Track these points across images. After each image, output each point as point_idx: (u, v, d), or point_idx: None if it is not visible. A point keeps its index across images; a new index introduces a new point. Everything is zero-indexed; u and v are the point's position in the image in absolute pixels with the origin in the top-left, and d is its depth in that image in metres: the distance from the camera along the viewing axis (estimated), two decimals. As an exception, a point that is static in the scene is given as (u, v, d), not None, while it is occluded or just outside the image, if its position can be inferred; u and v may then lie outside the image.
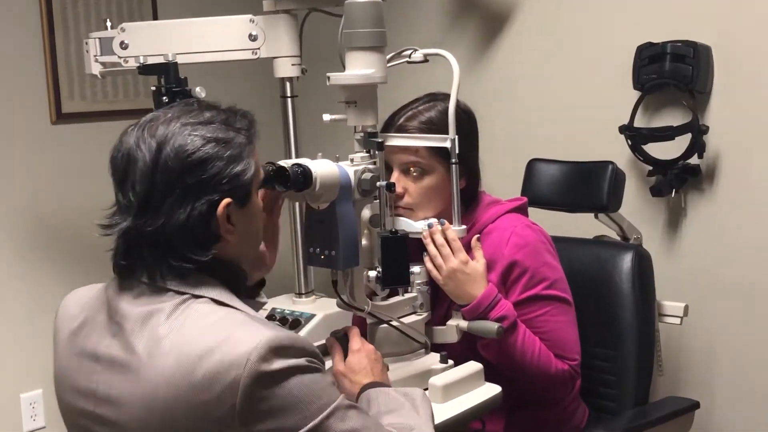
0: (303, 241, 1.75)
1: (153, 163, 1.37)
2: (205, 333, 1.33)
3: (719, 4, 2.57)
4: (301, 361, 1.34)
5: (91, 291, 1.53)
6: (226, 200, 1.40)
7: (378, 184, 1.76)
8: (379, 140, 1.79)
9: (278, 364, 1.31)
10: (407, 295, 1.90)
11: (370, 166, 1.76)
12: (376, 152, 1.80)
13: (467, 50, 3.17)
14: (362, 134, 1.82)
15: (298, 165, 1.66)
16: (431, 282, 1.96)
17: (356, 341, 1.72)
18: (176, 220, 1.37)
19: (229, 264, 1.44)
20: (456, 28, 3.22)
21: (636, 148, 2.65)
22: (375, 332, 1.88)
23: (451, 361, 1.87)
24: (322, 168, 1.68)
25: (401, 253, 1.76)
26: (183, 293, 1.39)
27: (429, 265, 1.94)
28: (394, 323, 1.87)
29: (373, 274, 1.84)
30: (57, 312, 1.54)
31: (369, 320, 1.89)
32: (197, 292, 1.39)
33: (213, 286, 1.41)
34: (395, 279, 1.78)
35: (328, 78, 1.82)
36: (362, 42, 1.80)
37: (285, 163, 1.67)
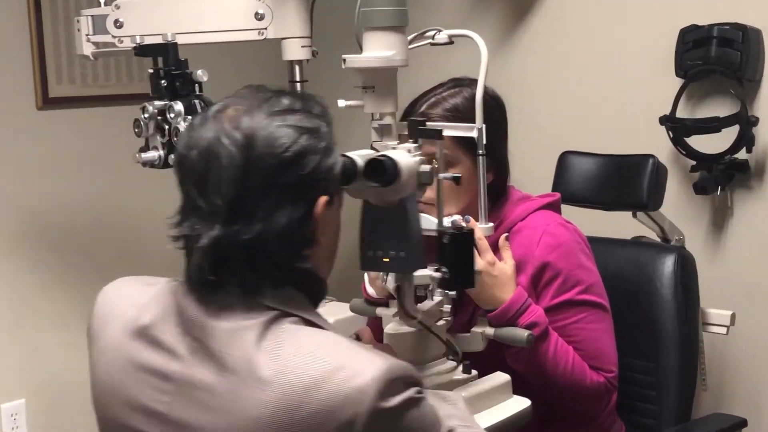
0: (361, 245, 1.71)
1: (244, 161, 1.31)
2: (309, 361, 1.26)
3: (772, -17, 2.57)
4: (413, 392, 1.31)
5: (143, 289, 1.46)
6: (324, 198, 1.36)
7: (441, 176, 1.75)
8: (438, 128, 1.77)
9: (396, 399, 1.27)
10: (436, 299, 1.90)
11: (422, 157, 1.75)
12: (434, 142, 1.77)
13: (493, 32, 3.16)
14: (408, 121, 1.79)
15: (385, 156, 1.64)
16: (440, 285, 1.94)
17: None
18: (275, 226, 1.31)
19: (312, 273, 1.40)
20: (480, 9, 3.21)
21: (678, 141, 2.65)
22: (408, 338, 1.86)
23: (474, 372, 1.87)
24: (403, 159, 1.66)
25: (469, 251, 1.74)
26: (273, 309, 1.33)
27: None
28: (439, 333, 1.85)
29: (423, 274, 1.80)
30: (97, 310, 1.48)
31: (389, 325, 1.88)
32: (288, 308, 1.34)
33: (299, 300, 1.37)
34: (463, 280, 1.75)
35: (344, 60, 1.82)
36: (382, 21, 1.79)
37: (359, 154, 1.64)
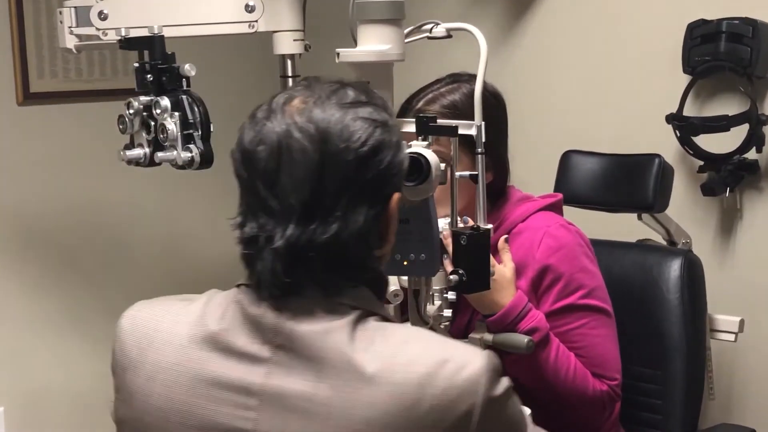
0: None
1: (319, 156, 1.28)
2: (412, 357, 1.26)
3: (783, -24, 2.58)
4: (508, 381, 1.32)
5: (181, 305, 1.41)
6: (397, 195, 1.35)
7: (458, 174, 1.74)
8: (453, 125, 1.76)
9: (501, 387, 1.29)
10: (437, 303, 1.90)
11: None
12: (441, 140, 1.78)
13: (493, 27, 3.17)
14: (417, 118, 1.80)
15: (418, 153, 1.64)
16: (452, 289, 1.95)
17: None
18: (352, 225, 1.30)
19: (381, 272, 1.39)
20: (481, 2, 3.22)
21: (685, 140, 2.66)
22: None
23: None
24: (431, 156, 1.67)
25: (487, 251, 1.74)
26: (355, 308, 1.32)
27: (450, 269, 1.94)
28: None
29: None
30: (126, 337, 1.42)
31: None
32: (368, 307, 1.33)
33: (373, 299, 1.36)
34: (480, 283, 1.75)
35: (338, 54, 1.83)
36: (377, 14, 1.80)
37: None
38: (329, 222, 1.29)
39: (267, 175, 1.31)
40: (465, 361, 1.27)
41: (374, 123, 1.33)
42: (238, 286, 1.39)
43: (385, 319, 1.35)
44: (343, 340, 1.27)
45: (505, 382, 1.31)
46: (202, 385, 1.32)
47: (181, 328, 1.36)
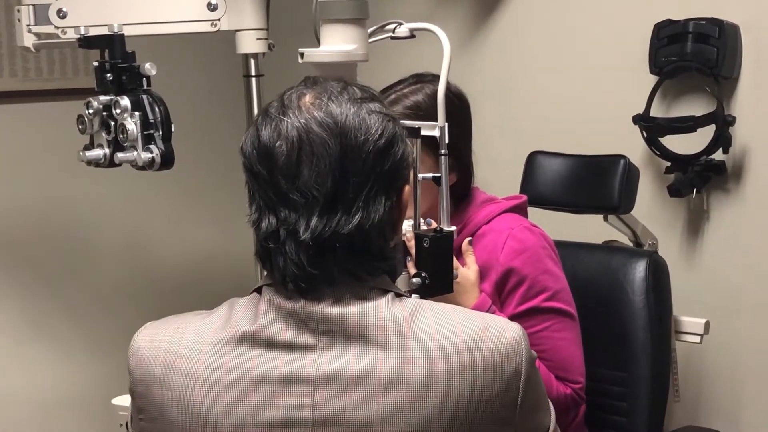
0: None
1: (341, 148, 1.34)
2: (456, 326, 1.34)
3: (749, -23, 2.60)
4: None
5: (198, 318, 1.42)
6: (408, 186, 1.42)
7: (420, 176, 1.76)
8: (416, 126, 1.77)
9: (532, 351, 1.39)
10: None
11: None
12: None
13: (460, 26, 3.18)
14: None
15: None
16: (414, 292, 1.96)
17: None
18: (373, 215, 1.36)
19: (395, 259, 1.45)
20: (448, 2, 3.23)
21: (652, 141, 2.67)
22: None
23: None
24: None
25: (450, 254, 1.76)
26: (387, 291, 1.38)
27: (413, 271, 1.94)
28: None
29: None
30: (146, 355, 1.41)
31: None
32: (394, 289, 1.40)
33: (392, 285, 1.42)
34: (443, 286, 1.75)
35: (301, 54, 1.83)
36: (341, 13, 1.80)
37: None
38: (352, 213, 1.34)
39: (288, 169, 1.34)
40: (503, 327, 1.37)
41: (386, 117, 1.40)
42: (258, 289, 1.41)
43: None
44: (388, 317, 1.34)
45: (533, 350, 1.41)
46: (248, 383, 1.34)
47: (209, 335, 1.38)
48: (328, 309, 1.35)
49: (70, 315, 3.40)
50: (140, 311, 3.19)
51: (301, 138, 1.34)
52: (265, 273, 1.42)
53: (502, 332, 1.36)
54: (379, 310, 1.35)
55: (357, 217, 1.34)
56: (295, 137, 1.34)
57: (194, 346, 1.38)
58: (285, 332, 1.35)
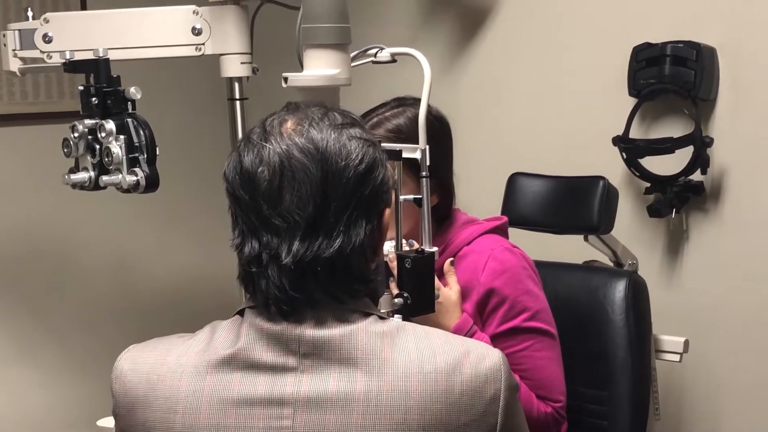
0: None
1: (322, 174, 1.36)
2: (436, 349, 1.36)
3: (725, 0, 2.62)
4: None
5: (180, 341, 1.43)
6: (388, 210, 1.44)
7: (402, 198, 1.78)
8: (397, 149, 1.80)
9: (514, 378, 1.40)
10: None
11: None
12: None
13: (442, 50, 3.21)
14: None
15: None
16: (397, 312, 1.98)
17: None
18: (354, 239, 1.37)
19: (376, 281, 1.47)
20: (430, 25, 3.26)
21: (631, 162, 2.69)
22: None
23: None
24: None
25: (432, 274, 1.77)
26: (369, 313, 1.40)
27: (396, 291, 1.96)
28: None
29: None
30: (129, 377, 1.42)
31: None
32: (374, 311, 1.41)
33: (373, 307, 1.43)
34: (425, 306, 1.77)
35: (285, 79, 1.85)
36: (324, 39, 1.82)
37: None
38: (333, 237, 1.36)
39: (270, 194, 1.36)
40: (483, 353, 1.38)
41: (366, 142, 1.41)
42: (240, 312, 1.43)
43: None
44: (368, 340, 1.36)
45: (515, 376, 1.42)
46: (230, 406, 1.35)
47: (191, 358, 1.39)
48: (309, 331, 1.36)
49: (54, 337, 3.40)
50: (125, 333, 3.21)
51: (282, 164, 1.36)
52: (248, 296, 1.43)
53: (482, 358, 1.37)
54: (361, 333, 1.36)
55: (338, 241, 1.36)
56: (277, 163, 1.36)
57: (176, 368, 1.39)
58: (266, 354, 1.36)
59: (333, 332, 1.36)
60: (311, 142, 1.37)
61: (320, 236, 1.36)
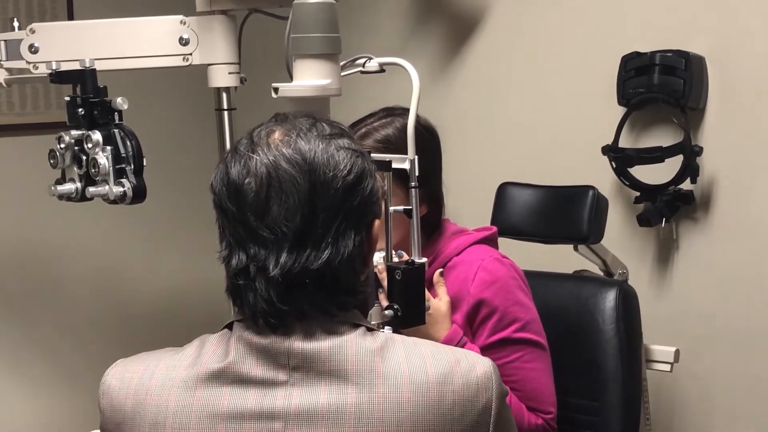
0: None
1: (310, 185, 1.35)
2: (426, 359, 1.35)
3: (714, 9, 2.63)
4: None
5: (168, 355, 1.42)
6: (378, 221, 1.43)
7: (392, 209, 1.77)
8: (386, 160, 1.80)
9: (504, 386, 1.40)
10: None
11: None
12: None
13: (432, 59, 3.21)
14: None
15: None
16: (387, 323, 1.97)
17: None
18: (343, 251, 1.36)
19: (366, 293, 1.46)
20: (419, 35, 3.26)
21: (621, 172, 2.70)
22: None
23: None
24: None
25: (422, 285, 1.77)
26: (358, 325, 1.39)
27: (386, 303, 1.95)
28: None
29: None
30: (117, 393, 1.41)
31: None
32: (364, 323, 1.40)
33: (363, 318, 1.42)
34: (415, 318, 1.77)
35: (276, 89, 1.84)
36: (314, 49, 1.82)
37: None
38: (321, 249, 1.35)
39: (257, 206, 1.35)
40: (473, 362, 1.38)
41: (355, 153, 1.40)
42: (229, 325, 1.42)
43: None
44: (358, 352, 1.35)
45: (504, 385, 1.42)
46: (219, 420, 1.34)
47: (179, 373, 1.38)
48: (298, 344, 1.35)
49: (43, 348, 3.39)
50: (113, 345, 3.20)
51: (270, 175, 1.35)
52: (236, 308, 1.42)
53: (473, 367, 1.37)
54: (350, 345, 1.35)
55: (326, 252, 1.35)
56: (264, 174, 1.35)
57: (165, 383, 1.38)
58: (255, 368, 1.35)
59: (322, 345, 1.35)
60: (299, 153, 1.36)
61: (308, 248, 1.35)
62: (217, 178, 1.41)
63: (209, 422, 1.34)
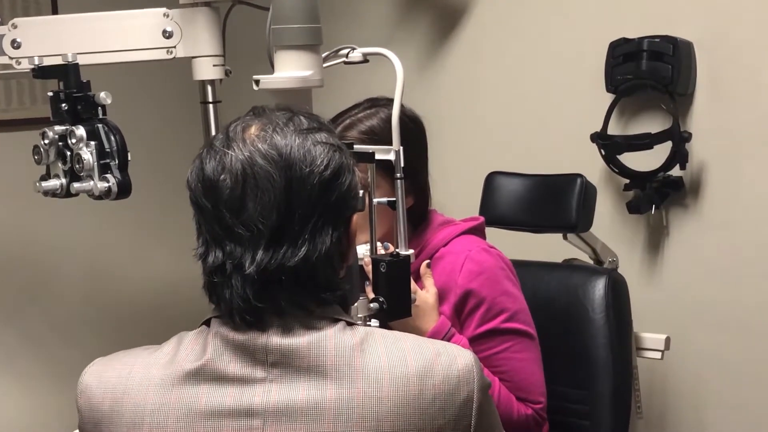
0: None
1: (286, 181, 1.33)
2: (406, 353, 1.35)
3: (702, -6, 2.63)
4: None
5: (145, 353, 1.42)
6: (356, 216, 1.42)
7: (375, 201, 1.77)
8: (370, 151, 1.79)
9: (486, 378, 1.39)
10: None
11: None
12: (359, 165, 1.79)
13: (418, 49, 3.21)
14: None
15: None
16: (373, 317, 1.97)
17: None
18: (320, 247, 1.35)
19: (345, 289, 1.45)
20: (406, 25, 3.26)
21: (610, 159, 2.70)
22: None
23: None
24: None
25: (408, 278, 1.77)
26: (337, 320, 1.38)
27: (372, 296, 1.96)
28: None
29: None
30: (93, 393, 1.41)
31: None
32: (344, 317, 1.39)
33: (343, 314, 1.41)
34: (401, 311, 1.77)
35: (257, 81, 1.84)
36: (293, 40, 1.81)
37: None
38: (298, 245, 1.34)
39: (233, 202, 1.34)
40: (454, 354, 1.37)
41: (332, 147, 1.38)
42: (207, 321, 1.41)
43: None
44: (337, 347, 1.34)
45: (487, 377, 1.41)
46: (198, 418, 1.34)
47: (157, 371, 1.38)
48: (276, 340, 1.34)
49: (29, 346, 3.38)
50: (101, 341, 3.20)
51: (245, 171, 1.34)
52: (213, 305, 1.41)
53: (453, 360, 1.36)
54: (329, 340, 1.34)
55: (303, 249, 1.34)
56: (240, 170, 1.34)
57: (142, 382, 1.37)
58: (233, 365, 1.35)
59: (300, 340, 1.34)
60: (274, 148, 1.35)
61: (285, 245, 1.34)
62: (193, 174, 1.40)
63: (187, 421, 1.34)
